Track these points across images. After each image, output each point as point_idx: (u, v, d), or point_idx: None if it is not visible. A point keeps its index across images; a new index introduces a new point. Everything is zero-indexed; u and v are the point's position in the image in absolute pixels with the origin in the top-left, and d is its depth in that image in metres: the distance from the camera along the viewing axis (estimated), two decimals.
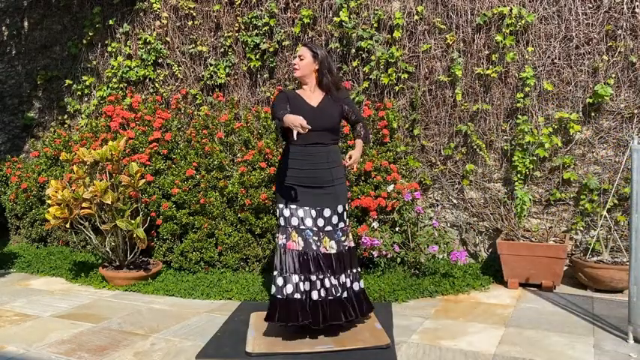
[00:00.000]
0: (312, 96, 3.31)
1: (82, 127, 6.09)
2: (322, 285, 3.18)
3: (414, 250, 4.34)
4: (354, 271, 3.34)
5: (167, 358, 3.01)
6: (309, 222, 3.24)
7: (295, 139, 3.02)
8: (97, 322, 3.62)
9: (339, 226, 3.29)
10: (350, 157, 3.33)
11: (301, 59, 3.30)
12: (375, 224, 4.39)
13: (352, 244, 3.39)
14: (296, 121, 2.85)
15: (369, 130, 3.49)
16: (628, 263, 3.71)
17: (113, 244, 4.64)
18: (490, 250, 4.74)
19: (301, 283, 3.16)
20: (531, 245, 4.13)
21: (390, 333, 3.22)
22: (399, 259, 4.34)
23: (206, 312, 3.80)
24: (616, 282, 3.93)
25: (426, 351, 3.03)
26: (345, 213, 3.34)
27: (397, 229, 4.46)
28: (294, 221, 3.24)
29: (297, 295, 3.14)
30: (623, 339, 3.12)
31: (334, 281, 3.20)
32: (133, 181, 4.47)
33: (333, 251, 3.23)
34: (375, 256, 4.26)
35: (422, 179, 4.90)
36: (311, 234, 3.23)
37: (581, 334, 3.23)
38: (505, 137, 4.64)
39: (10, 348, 3.20)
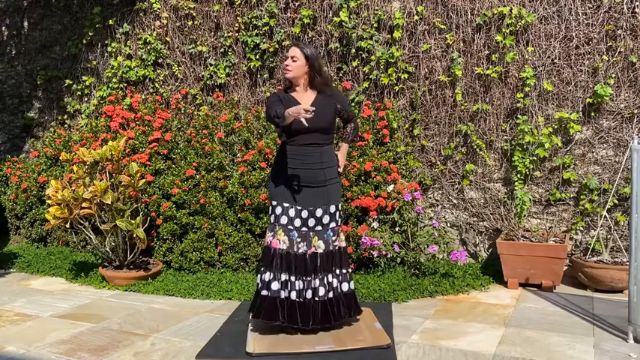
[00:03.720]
0: (305, 97, 3.26)
1: (82, 127, 6.09)
2: (305, 287, 3.18)
3: (413, 250, 4.34)
4: (344, 271, 3.31)
5: (167, 358, 3.01)
6: (297, 222, 3.22)
7: (307, 125, 2.93)
8: (97, 322, 3.62)
9: (330, 226, 3.27)
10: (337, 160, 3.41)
11: (294, 60, 3.21)
12: (375, 224, 4.39)
13: (343, 244, 3.36)
14: (298, 109, 2.83)
15: (357, 128, 3.54)
16: (628, 263, 3.71)
17: (113, 244, 4.64)
18: (490, 250, 4.74)
19: (286, 283, 3.18)
20: (531, 245, 4.13)
21: (390, 333, 3.22)
22: (399, 259, 4.34)
23: (206, 312, 3.80)
24: (616, 282, 3.93)
25: (426, 351, 3.03)
26: (337, 213, 3.31)
27: (397, 229, 4.46)
28: (284, 220, 3.22)
29: (283, 295, 3.17)
30: (623, 339, 3.13)
31: (318, 283, 3.19)
32: (132, 181, 4.47)
33: (320, 251, 3.22)
34: (375, 256, 4.26)
35: (422, 179, 4.90)
36: (296, 235, 3.21)
37: (581, 334, 3.23)
38: (505, 137, 4.64)
39: (10, 348, 3.20)
